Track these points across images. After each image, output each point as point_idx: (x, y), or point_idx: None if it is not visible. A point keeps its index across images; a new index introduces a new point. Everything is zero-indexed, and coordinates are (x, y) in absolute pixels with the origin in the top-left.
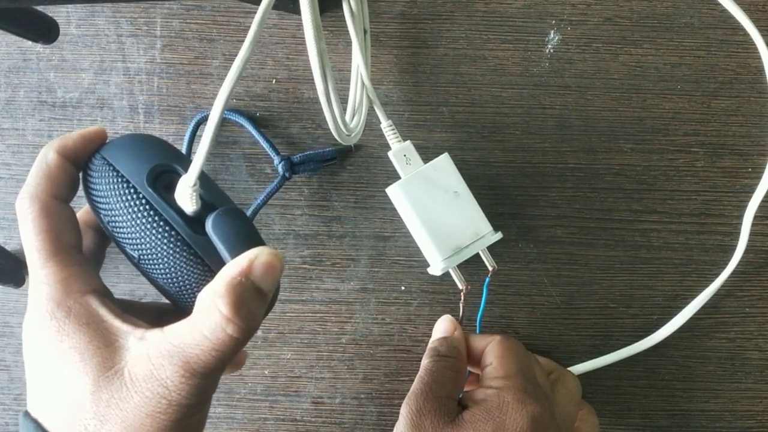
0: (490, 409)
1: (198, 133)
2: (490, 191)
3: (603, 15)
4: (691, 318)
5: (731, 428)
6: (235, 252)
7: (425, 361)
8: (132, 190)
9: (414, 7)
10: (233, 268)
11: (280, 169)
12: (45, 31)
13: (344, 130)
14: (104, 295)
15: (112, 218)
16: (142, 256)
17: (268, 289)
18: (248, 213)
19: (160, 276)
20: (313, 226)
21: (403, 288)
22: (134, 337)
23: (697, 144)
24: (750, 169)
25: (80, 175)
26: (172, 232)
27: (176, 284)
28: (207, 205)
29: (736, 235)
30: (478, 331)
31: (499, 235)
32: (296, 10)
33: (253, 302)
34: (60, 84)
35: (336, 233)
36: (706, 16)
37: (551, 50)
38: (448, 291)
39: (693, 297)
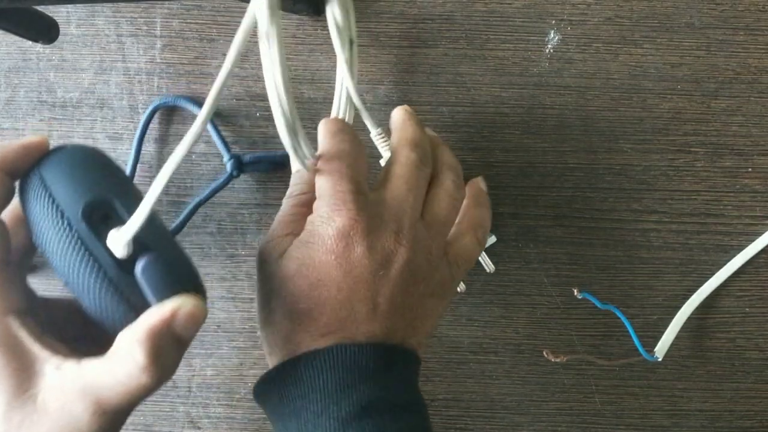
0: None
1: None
2: (490, 191)
3: (603, 15)
4: (691, 318)
5: (731, 428)
6: (160, 297)
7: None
8: (65, 223)
9: (414, 7)
10: (155, 316)
11: (228, 167)
12: (45, 31)
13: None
14: (26, 313)
15: (42, 241)
16: (68, 284)
17: (188, 338)
18: (188, 208)
19: (84, 303)
20: None
21: None
22: (51, 365)
23: (697, 144)
24: (750, 169)
25: (16, 185)
26: (101, 272)
27: (99, 316)
28: (141, 245)
29: (735, 235)
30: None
31: (492, 239)
32: (296, 10)
33: (171, 351)
34: (60, 84)
35: None
36: (706, 16)
37: (551, 50)
38: None
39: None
